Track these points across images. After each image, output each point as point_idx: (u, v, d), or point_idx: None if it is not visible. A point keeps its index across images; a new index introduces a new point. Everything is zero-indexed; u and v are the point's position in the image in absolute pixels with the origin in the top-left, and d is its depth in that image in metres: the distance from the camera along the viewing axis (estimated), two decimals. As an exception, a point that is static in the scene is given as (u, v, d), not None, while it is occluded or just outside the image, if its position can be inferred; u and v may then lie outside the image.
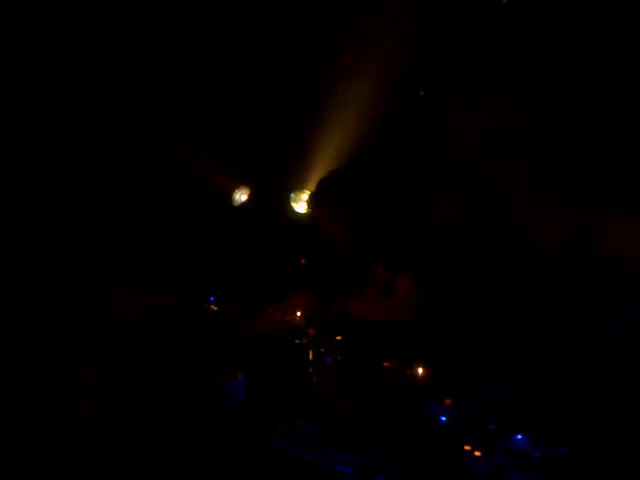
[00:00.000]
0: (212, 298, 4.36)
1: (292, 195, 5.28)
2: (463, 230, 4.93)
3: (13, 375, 3.84)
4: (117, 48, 4.96)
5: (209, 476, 3.28)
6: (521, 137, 5.05)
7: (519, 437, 2.82)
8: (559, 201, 4.74)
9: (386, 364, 3.51)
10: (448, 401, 3.11)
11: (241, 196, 5.51)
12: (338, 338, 3.89)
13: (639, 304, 3.62)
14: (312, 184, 4.55)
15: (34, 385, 3.79)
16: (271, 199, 5.45)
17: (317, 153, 5.19)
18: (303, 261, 5.07)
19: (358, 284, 4.24)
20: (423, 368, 3.37)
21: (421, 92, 5.34)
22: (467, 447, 2.80)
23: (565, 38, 4.58)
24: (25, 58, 4.83)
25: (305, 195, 5.02)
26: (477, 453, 2.76)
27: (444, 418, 2.99)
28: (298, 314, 4.22)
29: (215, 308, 4.33)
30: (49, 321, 4.19)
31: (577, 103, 4.71)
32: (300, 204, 5.26)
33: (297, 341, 3.88)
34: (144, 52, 4.96)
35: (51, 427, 3.62)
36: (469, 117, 5.23)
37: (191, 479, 3.30)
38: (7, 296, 4.36)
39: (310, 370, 3.58)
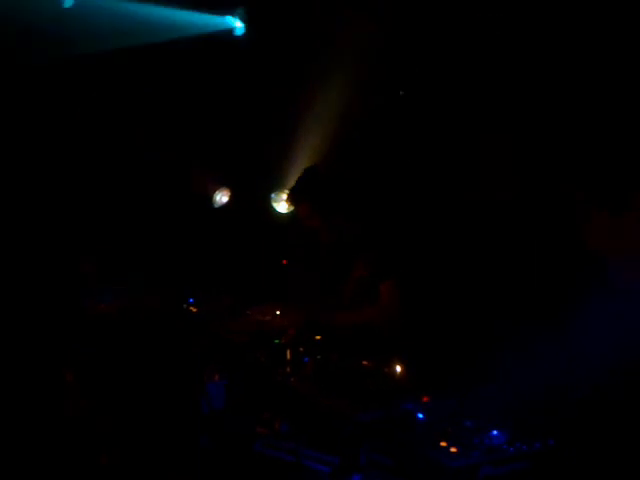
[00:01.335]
0: (191, 299, 4.34)
1: (273, 195, 5.28)
2: (451, 234, 4.93)
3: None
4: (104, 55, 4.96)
5: (188, 477, 3.28)
6: (509, 139, 5.06)
7: (495, 433, 2.82)
8: (547, 201, 4.75)
9: (364, 363, 3.50)
10: (425, 398, 3.11)
11: (222, 197, 5.50)
12: (317, 338, 3.88)
13: (622, 302, 3.63)
14: (292, 184, 4.54)
15: (17, 386, 3.76)
16: (252, 200, 5.45)
17: (298, 153, 5.20)
18: (284, 262, 5.06)
19: (339, 288, 4.22)
20: (401, 366, 3.36)
21: (401, 92, 5.35)
22: (443, 443, 2.80)
23: (561, 38, 4.60)
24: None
25: (285, 195, 5.02)
26: (453, 449, 2.76)
27: (421, 415, 2.99)
28: (278, 314, 4.21)
29: (194, 309, 4.32)
30: (32, 321, 4.16)
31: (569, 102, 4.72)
32: (281, 204, 5.26)
33: (276, 341, 3.86)
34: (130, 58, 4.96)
35: (35, 427, 3.60)
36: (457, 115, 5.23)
37: (177, 468, 3.29)
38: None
39: (288, 370, 3.56)
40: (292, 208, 4.35)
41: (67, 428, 3.60)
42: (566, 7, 4.42)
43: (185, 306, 4.31)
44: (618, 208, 4.17)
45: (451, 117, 5.04)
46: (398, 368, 3.35)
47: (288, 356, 3.65)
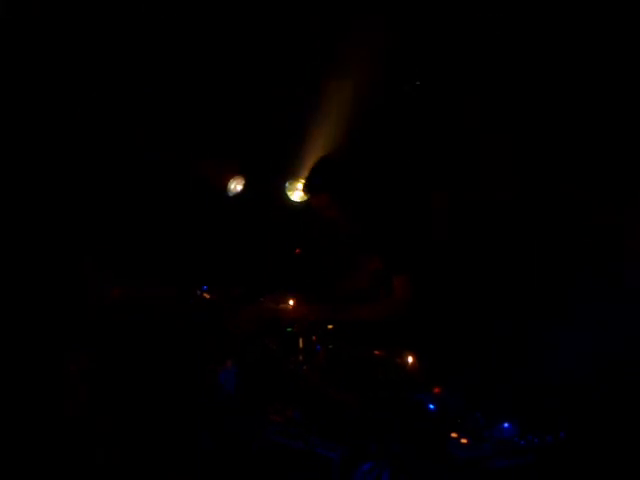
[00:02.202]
0: (205, 287, 4.35)
1: (287, 184, 5.28)
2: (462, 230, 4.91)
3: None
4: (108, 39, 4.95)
5: (198, 465, 3.29)
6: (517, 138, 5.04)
7: (506, 425, 2.82)
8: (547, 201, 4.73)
9: (376, 352, 3.51)
10: (437, 389, 3.11)
11: (236, 186, 5.50)
12: (330, 327, 3.89)
13: (624, 300, 3.63)
14: (307, 172, 4.54)
15: (16, 383, 3.76)
16: (266, 188, 5.45)
17: (313, 141, 5.19)
18: (298, 251, 5.06)
19: (353, 280, 4.21)
20: (413, 357, 3.37)
21: (411, 85, 5.32)
22: (454, 435, 2.80)
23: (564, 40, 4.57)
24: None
25: (300, 184, 5.02)
26: (463, 440, 2.77)
27: (432, 406, 3.00)
28: (291, 303, 4.21)
29: (207, 296, 4.33)
30: (34, 316, 4.16)
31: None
32: (295, 193, 5.26)
33: (289, 329, 3.88)
34: (134, 40, 4.95)
35: (35, 425, 3.59)
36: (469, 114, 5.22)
37: (179, 469, 3.30)
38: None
39: (301, 358, 3.58)
40: (307, 197, 4.32)
41: (68, 426, 3.60)
42: (566, 7, 4.41)
43: (199, 293, 4.32)
44: (618, 207, 4.17)
45: (453, 116, 5.05)
46: (410, 359, 3.36)
47: (300, 345, 3.66)
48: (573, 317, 3.52)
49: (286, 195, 5.30)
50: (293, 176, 5.24)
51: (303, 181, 4.74)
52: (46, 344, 3.95)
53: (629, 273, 3.79)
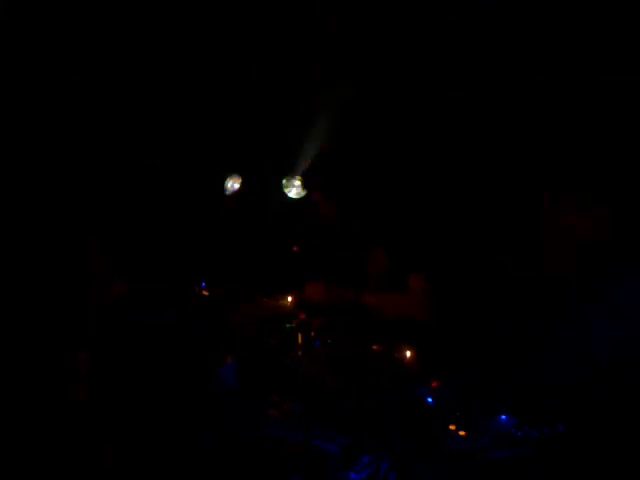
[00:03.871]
0: (203, 284, 4.38)
1: (284, 181, 5.29)
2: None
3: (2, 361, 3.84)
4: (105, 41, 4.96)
5: (198, 459, 3.31)
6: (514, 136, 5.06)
7: (503, 417, 2.86)
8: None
9: (375, 347, 3.53)
10: (435, 383, 3.14)
11: (233, 184, 5.51)
12: (325, 321, 3.91)
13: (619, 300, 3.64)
14: (304, 169, 4.55)
15: (17, 383, 3.78)
16: (262, 185, 5.46)
17: (309, 138, 5.21)
18: (296, 249, 5.08)
19: (358, 274, 4.21)
20: (411, 351, 3.39)
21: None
22: (452, 427, 2.83)
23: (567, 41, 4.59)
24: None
25: (297, 181, 5.03)
26: (462, 433, 2.80)
27: (430, 399, 3.03)
28: (289, 299, 4.24)
29: (206, 293, 4.35)
30: (35, 316, 4.17)
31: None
32: (292, 190, 5.27)
33: (288, 325, 3.90)
34: (129, 40, 4.96)
35: (34, 426, 3.61)
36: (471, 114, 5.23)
37: (180, 463, 3.32)
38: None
39: (299, 353, 3.60)
40: (305, 194, 4.30)
41: (68, 425, 3.62)
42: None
43: (197, 290, 4.35)
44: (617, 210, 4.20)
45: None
46: (408, 353, 3.38)
47: (299, 340, 3.68)
48: (573, 317, 3.54)
49: (283, 192, 5.31)
50: (290, 173, 5.25)
51: (300, 178, 4.76)
52: (46, 344, 3.97)
53: (629, 274, 3.82)
